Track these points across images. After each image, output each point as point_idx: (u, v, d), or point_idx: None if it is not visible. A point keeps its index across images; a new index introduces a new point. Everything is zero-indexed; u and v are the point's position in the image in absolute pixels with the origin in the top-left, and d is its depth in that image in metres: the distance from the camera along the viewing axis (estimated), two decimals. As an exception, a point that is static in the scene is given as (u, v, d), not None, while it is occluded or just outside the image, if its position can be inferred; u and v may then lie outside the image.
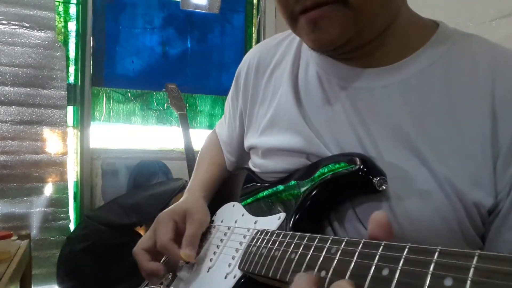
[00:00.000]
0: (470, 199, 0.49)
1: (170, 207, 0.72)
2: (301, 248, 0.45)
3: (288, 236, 0.49)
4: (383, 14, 0.53)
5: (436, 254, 0.30)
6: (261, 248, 0.53)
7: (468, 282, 0.26)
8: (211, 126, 2.51)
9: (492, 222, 0.50)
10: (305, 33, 0.54)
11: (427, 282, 0.29)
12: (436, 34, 0.56)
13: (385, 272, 0.32)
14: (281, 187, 0.62)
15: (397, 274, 0.31)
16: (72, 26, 2.21)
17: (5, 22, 1.95)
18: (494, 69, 0.51)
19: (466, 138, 0.49)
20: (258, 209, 0.65)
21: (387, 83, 0.55)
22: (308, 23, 0.52)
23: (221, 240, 0.66)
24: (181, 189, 2.03)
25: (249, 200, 0.69)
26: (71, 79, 2.20)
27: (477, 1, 1.26)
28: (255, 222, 0.62)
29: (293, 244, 0.46)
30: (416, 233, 0.50)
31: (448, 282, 0.28)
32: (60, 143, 2.06)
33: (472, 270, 0.27)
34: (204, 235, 0.70)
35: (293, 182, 0.60)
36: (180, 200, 0.75)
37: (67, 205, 2.09)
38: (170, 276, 0.71)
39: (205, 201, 0.75)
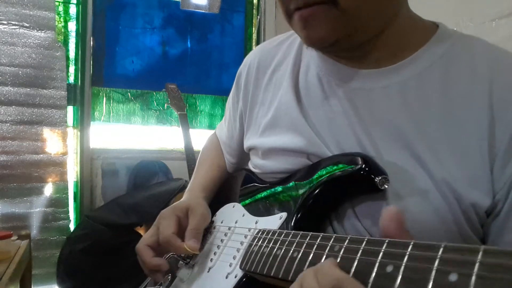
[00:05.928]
0: (467, 200, 0.49)
1: (172, 205, 0.72)
2: (303, 247, 0.44)
3: (290, 235, 0.49)
4: (377, 18, 0.53)
5: (441, 249, 0.30)
6: (262, 247, 0.52)
7: (473, 277, 0.26)
8: (211, 126, 2.51)
9: (492, 224, 0.50)
10: (298, 29, 0.55)
11: (432, 277, 0.29)
12: (435, 35, 0.56)
13: (389, 268, 0.32)
14: (282, 187, 0.62)
15: (402, 270, 0.31)
16: (72, 26, 2.21)
17: (5, 22, 1.94)
18: (492, 70, 0.52)
19: (464, 139, 0.50)
20: (258, 209, 0.65)
21: (386, 84, 0.56)
22: (299, 20, 0.53)
23: (222, 240, 0.66)
24: (181, 189, 2.03)
25: (249, 201, 0.69)
26: (71, 79, 2.20)
27: (477, 1, 1.26)
28: (256, 222, 0.62)
29: (295, 243, 0.46)
30: (414, 232, 0.50)
31: (453, 277, 0.27)
32: (60, 143, 2.06)
33: (477, 264, 0.27)
34: (204, 236, 0.70)
35: (294, 182, 0.60)
36: (181, 200, 0.75)
37: (67, 205, 2.08)
38: (169, 277, 0.71)
39: (205, 201, 0.75)
